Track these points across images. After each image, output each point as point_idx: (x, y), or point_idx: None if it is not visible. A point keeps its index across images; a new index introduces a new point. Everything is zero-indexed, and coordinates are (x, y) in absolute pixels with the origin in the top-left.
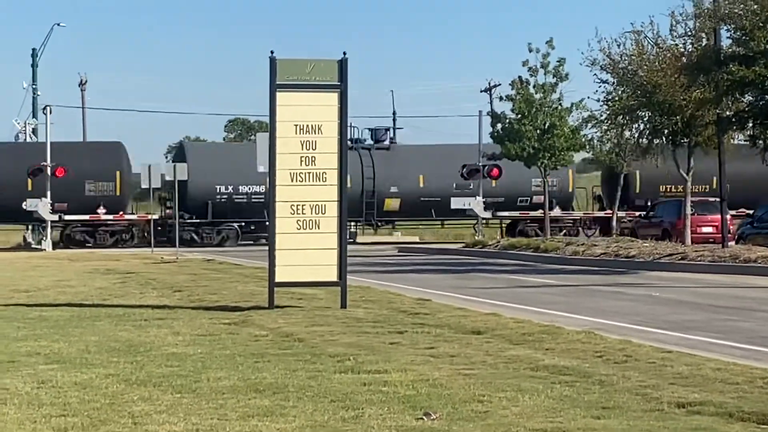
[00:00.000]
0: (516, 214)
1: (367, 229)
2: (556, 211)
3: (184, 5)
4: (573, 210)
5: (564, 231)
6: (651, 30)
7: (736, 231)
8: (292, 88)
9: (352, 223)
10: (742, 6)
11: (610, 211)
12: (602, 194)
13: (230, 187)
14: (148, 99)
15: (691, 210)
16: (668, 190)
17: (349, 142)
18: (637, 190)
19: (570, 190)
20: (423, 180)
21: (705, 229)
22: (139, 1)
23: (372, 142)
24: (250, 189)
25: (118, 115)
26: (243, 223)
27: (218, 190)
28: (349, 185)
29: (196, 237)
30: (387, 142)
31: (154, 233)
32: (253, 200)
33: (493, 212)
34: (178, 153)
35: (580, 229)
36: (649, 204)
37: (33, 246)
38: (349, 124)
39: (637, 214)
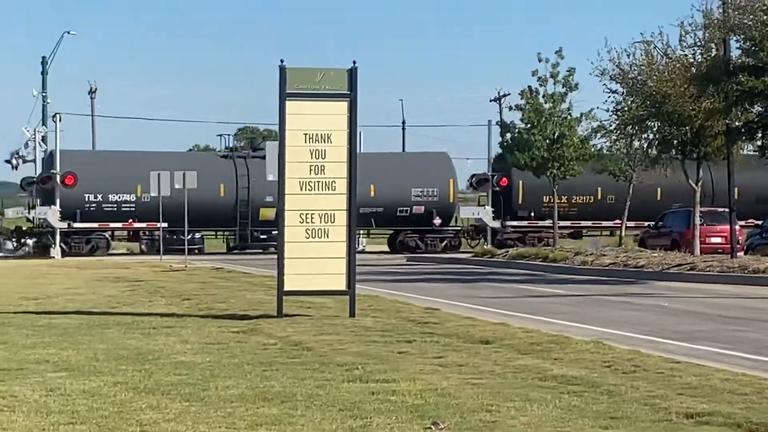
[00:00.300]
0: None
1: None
2: (437, 221)
3: (193, 14)
4: (456, 221)
5: (445, 242)
6: (660, 40)
7: (745, 241)
8: (302, 97)
9: (362, 232)
10: (751, 17)
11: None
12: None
13: (99, 196)
14: (157, 107)
15: (700, 220)
16: (550, 201)
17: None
18: (520, 201)
19: (451, 201)
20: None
21: (714, 240)
22: (148, 10)
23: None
24: (120, 197)
25: (127, 124)
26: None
27: (87, 199)
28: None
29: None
30: None
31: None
32: (123, 209)
33: (374, 223)
34: (47, 161)
35: (462, 239)
36: (532, 215)
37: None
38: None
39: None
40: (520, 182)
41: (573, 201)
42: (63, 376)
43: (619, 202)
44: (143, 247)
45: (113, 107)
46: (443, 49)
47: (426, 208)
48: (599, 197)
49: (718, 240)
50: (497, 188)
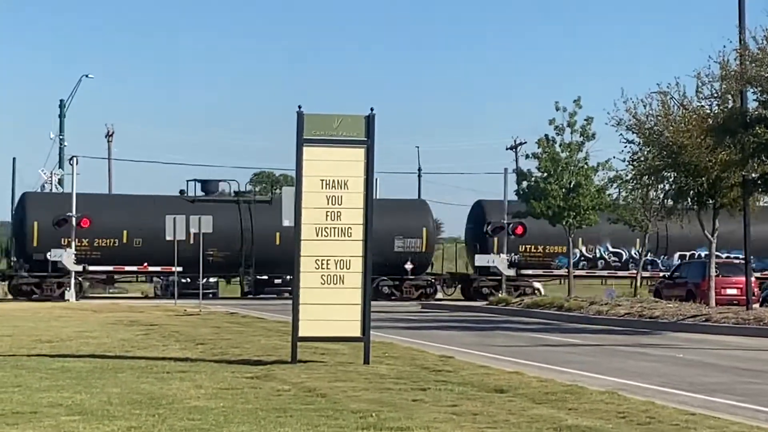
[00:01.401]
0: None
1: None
2: (408, 266)
3: (209, 58)
4: (432, 267)
5: (420, 290)
6: (677, 91)
7: (761, 293)
8: (319, 143)
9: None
10: None
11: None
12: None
13: (114, 239)
14: (174, 151)
15: (716, 271)
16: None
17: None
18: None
19: (423, 250)
20: None
21: (729, 291)
22: (166, 54)
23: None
24: (135, 241)
25: (143, 167)
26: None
27: (101, 242)
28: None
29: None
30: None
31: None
32: (138, 252)
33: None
34: (18, 206)
35: (438, 287)
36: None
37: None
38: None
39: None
40: (534, 230)
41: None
42: (76, 420)
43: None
44: (157, 290)
45: (130, 150)
46: (460, 96)
47: (402, 255)
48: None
49: (734, 291)
50: (512, 236)
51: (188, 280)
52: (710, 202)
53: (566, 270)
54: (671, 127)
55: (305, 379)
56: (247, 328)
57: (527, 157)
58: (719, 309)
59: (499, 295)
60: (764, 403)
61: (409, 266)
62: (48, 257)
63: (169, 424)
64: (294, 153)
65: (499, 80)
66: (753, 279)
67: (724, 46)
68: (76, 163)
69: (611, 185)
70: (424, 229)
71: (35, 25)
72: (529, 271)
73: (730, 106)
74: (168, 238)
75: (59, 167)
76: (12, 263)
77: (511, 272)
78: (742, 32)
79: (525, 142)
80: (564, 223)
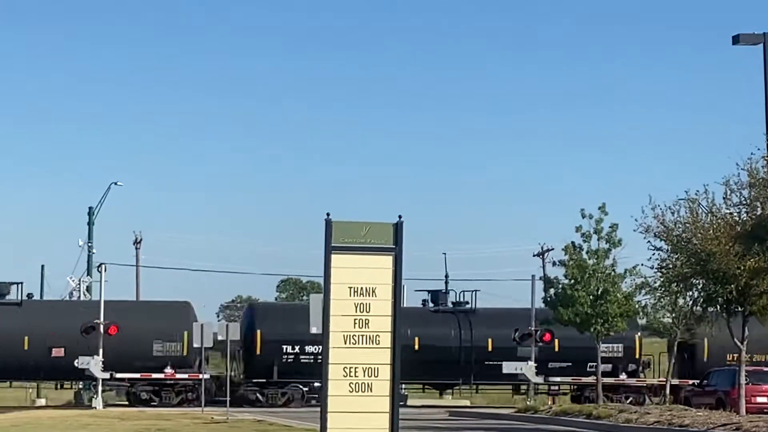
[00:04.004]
0: None
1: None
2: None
3: (235, 165)
4: None
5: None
6: (705, 198)
7: None
8: (347, 251)
9: (403, 386)
10: None
11: None
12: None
13: (297, 347)
14: (201, 258)
15: (746, 379)
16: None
17: None
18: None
19: None
20: None
21: (760, 399)
22: (193, 162)
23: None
24: (317, 349)
25: (171, 273)
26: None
27: (285, 350)
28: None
29: (260, 397)
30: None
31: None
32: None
33: None
34: (248, 314)
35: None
36: None
37: (85, 403)
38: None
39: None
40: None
41: None
42: None
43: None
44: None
45: (158, 257)
46: (485, 202)
47: None
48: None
49: (764, 399)
50: (540, 343)
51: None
52: (739, 309)
53: (594, 378)
54: (699, 234)
55: None
56: None
57: (554, 264)
58: (750, 417)
59: (527, 402)
60: None
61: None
62: (76, 365)
63: None
64: (322, 260)
65: (524, 187)
66: None
67: (752, 154)
68: (105, 270)
69: (639, 292)
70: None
71: (64, 133)
72: (557, 378)
73: (758, 213)
74: (195, 344)
75: (87, 274)
76: None
77: (540, 379)
78: None
79: (552, 249)
80: (591, 330)
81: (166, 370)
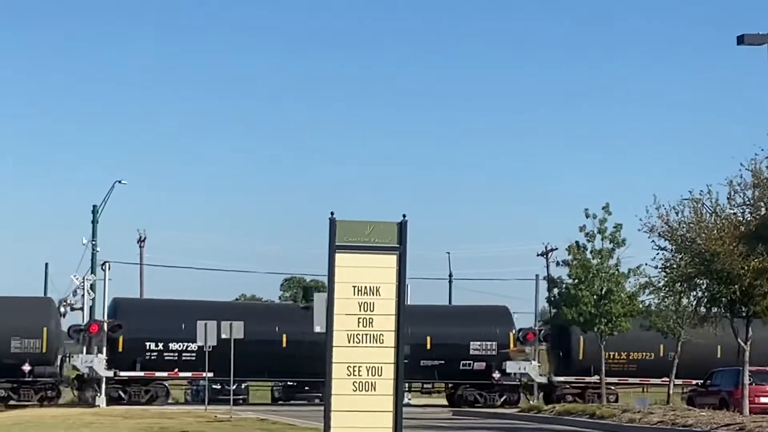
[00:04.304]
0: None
1: None
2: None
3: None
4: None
5: (503, 397)
6: (709, 198)
7: None
8: (351, 250)
9: (406, 385)
10: None
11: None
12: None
13: (160, 344)
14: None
15: (750, 379)
16: (610, 356)
17: None
18: (581, 356)
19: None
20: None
21: (763, 399)
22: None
23: None
24: (181, 346)
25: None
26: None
27: (148, 347)
28: None
29: (123, 395)
30: None
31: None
32: (184, 357)
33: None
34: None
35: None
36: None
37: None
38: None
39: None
40: (581, 338)
41: (631, 357)
42: None
43: (681, 359)
44: (188, 396)
45: (161, 255)
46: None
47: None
48: (661, 354)
49: None
50: (544, 342)
51: (219, 386)
52: (743, 309)
53: (598, 378)
54: (704, 235)
55: None
56: None
57: (558, 264)
58: (753, 417)
59: (531, 402)
60: None
61: (497, 375)
62: (75, 364)
63: None
64: (326, 259)
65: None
66: None
67: (756, 154)
68: (108, 269)
69: (643, 292)
70: (510, 333)
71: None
72: (561, 378)
73: (762, 214)
74: (199, 343)
75: (91, 272)
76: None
77: (543, 379)
78: None
79: (556, 249)
80: (595, 329)
81: (24, 368)
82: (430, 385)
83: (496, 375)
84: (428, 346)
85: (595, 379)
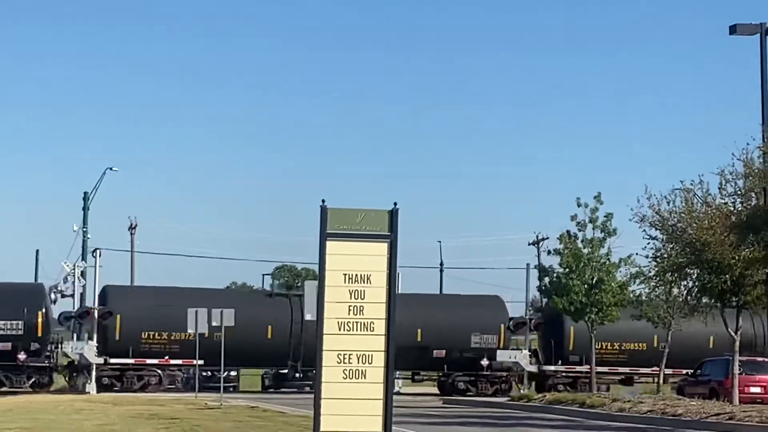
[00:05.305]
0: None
1: None
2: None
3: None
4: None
5: (495, 386)
6: (700, 188)
7: None
8: (343, 238)
9: (397, 374)
10: None
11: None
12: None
13: (151, 332)
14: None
15: (739, 369)
16: (601, 346)
17: None
18: (571, 347)
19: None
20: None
21: (753, 389)
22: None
23: None
24: (172, 334)
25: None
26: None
27: (139, 334)
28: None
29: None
30: None
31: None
32: (159, 345)
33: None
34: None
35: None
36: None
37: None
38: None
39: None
40: (572, 328)
41: (623, 347)
42: None
43: (673, 349)
44: (178, 383)
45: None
46: (481, 191)
47: (478, 351)
48: (654, 344)
49: (758, 390)
50: (534, 331)
51: (209, 373)
52: (734, 299)
53: (588, 366)
54: (695, 224)
55: None
56: (268, 422)
57: (549, 253)
58: (743, 407)
59: (521, 390)
60: None
61: (485, 362)
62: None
63: None
64: (317, 247)
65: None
66: None
67: (748, 144)
68: (99, 256)
69: (634, 281)
70: (501, 325)
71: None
72: (551, 367)
73: (753, 204)
74: (189, 330)
75: (82, 259)
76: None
77: (533, 368)
78: (765, 130)
79: (547, 238)
80: (586, 319)
81: (19, 356)
82: (420, 374)
83: (485, 363)
84: (419, 336)
85: (586, 368)
